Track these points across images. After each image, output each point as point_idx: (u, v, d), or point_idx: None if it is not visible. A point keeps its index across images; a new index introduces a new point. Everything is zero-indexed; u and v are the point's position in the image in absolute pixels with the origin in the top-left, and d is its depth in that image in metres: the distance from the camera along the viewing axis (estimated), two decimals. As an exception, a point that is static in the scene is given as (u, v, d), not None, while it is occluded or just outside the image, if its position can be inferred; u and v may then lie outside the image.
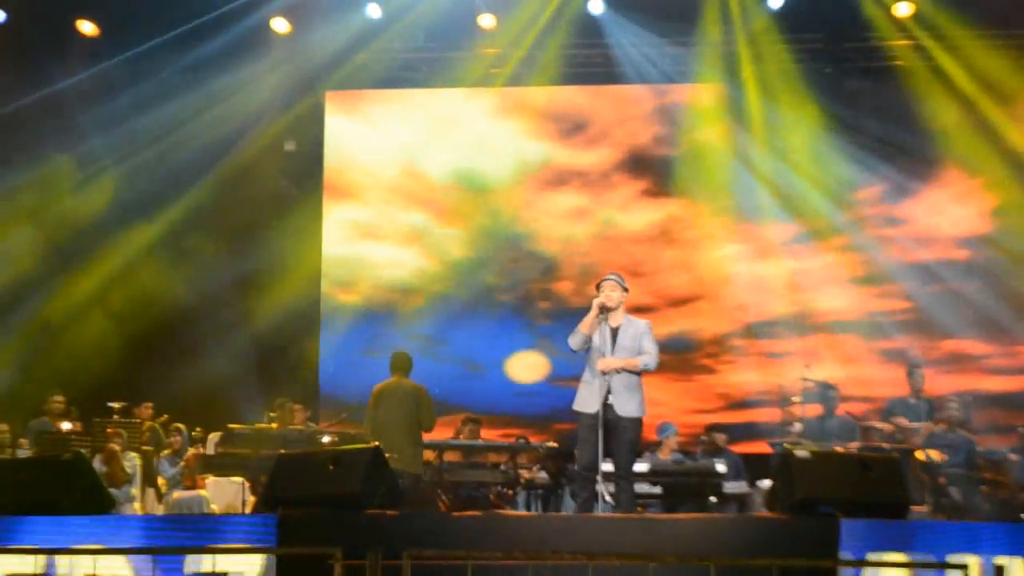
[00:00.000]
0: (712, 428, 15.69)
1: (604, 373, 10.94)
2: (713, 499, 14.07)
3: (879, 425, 14.98)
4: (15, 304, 18.22)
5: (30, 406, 16.28)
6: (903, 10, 17.46)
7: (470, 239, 19.26)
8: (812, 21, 18.01)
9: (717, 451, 15.07)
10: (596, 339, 11.08)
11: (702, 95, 18.78)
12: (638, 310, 12.23)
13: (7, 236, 18.35)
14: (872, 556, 8.78)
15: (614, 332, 11.14)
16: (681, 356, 18.30)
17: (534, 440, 15.59)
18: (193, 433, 16.01)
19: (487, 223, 19.22)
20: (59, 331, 18.23)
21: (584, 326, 11.07)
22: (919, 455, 13.97)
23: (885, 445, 14.24)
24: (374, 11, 18.26)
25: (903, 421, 14.73)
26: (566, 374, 11.38)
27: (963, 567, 7.96)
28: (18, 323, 18.17)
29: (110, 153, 18.62)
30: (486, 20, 18.25)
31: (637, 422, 11.10)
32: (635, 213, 18.89)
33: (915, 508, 10.88)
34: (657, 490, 13.83)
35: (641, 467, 13.35)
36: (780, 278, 18.38)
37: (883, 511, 9.31)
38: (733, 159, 18.60)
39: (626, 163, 18.96)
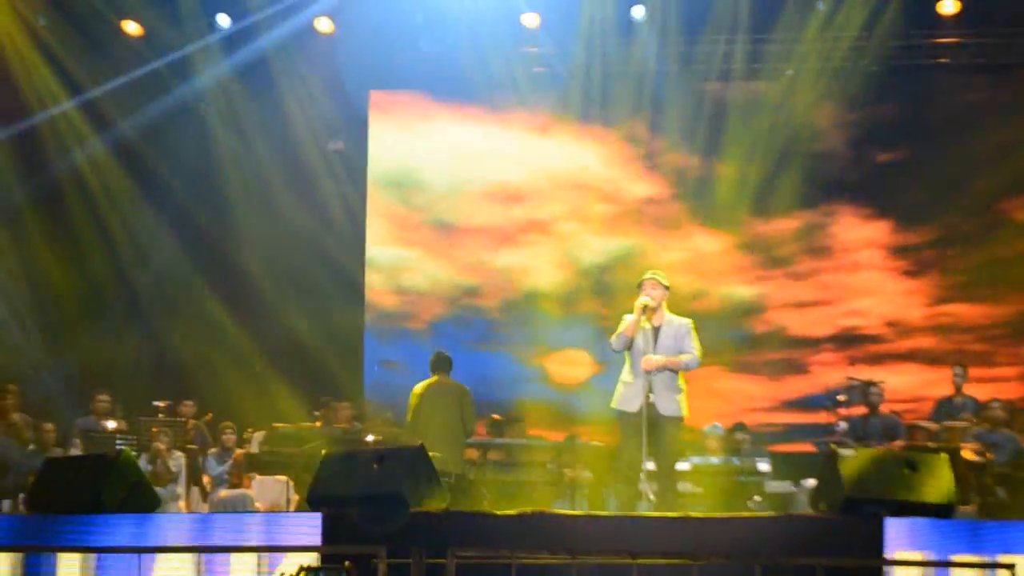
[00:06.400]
0: (736, 428, 15.65)
1: (647, 372, 10.94)
2: (757, 498, 14.05)
3: (924, 424, 14.94)
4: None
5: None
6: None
7: (516, 243, 19.25)
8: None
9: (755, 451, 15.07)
10: (639, 339, 11.07)
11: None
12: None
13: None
14: (917, 556, 8.74)
15: (655, 331, 11.14)
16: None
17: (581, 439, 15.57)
18: (244, 434, 16.08)
19: (535, 227, 19.23)
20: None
21: (628, 329, 11.06)
22: (965, 454, 13.90)
23: (930, 444, 14.18)
24: (416, 15, 18.41)
25: (958, 423, 14.69)
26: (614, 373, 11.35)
27: (1010, 567, 7.93)
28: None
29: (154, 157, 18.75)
30: (529, 19, 18.29)
31: (679, 421, 11.11)
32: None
33: (961, 507, 10.80)
34: (699, 489, 13.84)
35: (683, 466, 13.33)
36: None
37: (929, 510, 9.26)
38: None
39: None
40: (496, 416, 15.84)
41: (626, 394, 11.08)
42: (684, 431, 11.44)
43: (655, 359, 10.98)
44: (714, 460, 14.41)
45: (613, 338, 11.22)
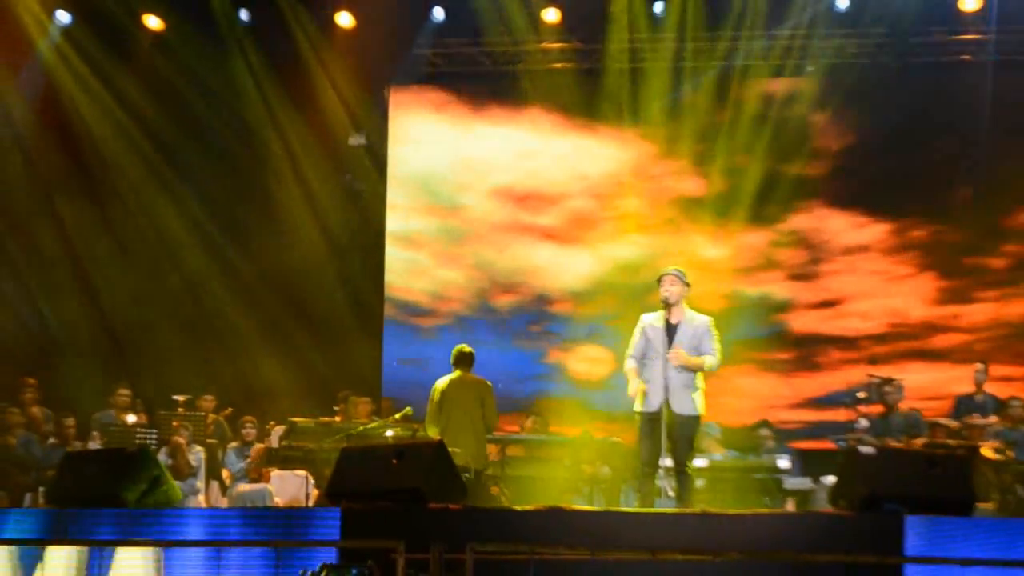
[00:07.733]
0: (759, 424, 15.63)
1: (670, 364, 10.87)
2: (780, 494, 14.06)
3: (945, 421, 14.92)
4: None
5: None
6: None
7: (537, 241, 19.23)
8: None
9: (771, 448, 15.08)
10: (655, 338, 11.00)
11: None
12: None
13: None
14: (937, 553, 8.72)
15: (673, 328, 11.04)
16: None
17: (598, 435, 15.56)
18: (266, 427, 16.10)
19: (555, 226, 19.21)
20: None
21: (632, 390, 11.03)
22: (985, 452, 13.88)
23: (951, 442, 14.16)
24: (438, 13, 18.47)
25: (977, 419, 14.65)
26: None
27: (1030, 565, 7.92)
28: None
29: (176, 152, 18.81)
30: (550, 15, 18.29)
31: (696, 419, 11.05)
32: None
33: (981, 505, 10.77)
34: (716, 486, 13.84)
35: (700, 463, 13.31)
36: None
37: (948, 508, 9.24)
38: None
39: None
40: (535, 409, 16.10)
41: (647, 396, 11.01)
42: (700, 428, 11.40)
43: (682, 354, 10.87)
44: (728, 457, 14.42)
45: (625, 369, 11.21)
